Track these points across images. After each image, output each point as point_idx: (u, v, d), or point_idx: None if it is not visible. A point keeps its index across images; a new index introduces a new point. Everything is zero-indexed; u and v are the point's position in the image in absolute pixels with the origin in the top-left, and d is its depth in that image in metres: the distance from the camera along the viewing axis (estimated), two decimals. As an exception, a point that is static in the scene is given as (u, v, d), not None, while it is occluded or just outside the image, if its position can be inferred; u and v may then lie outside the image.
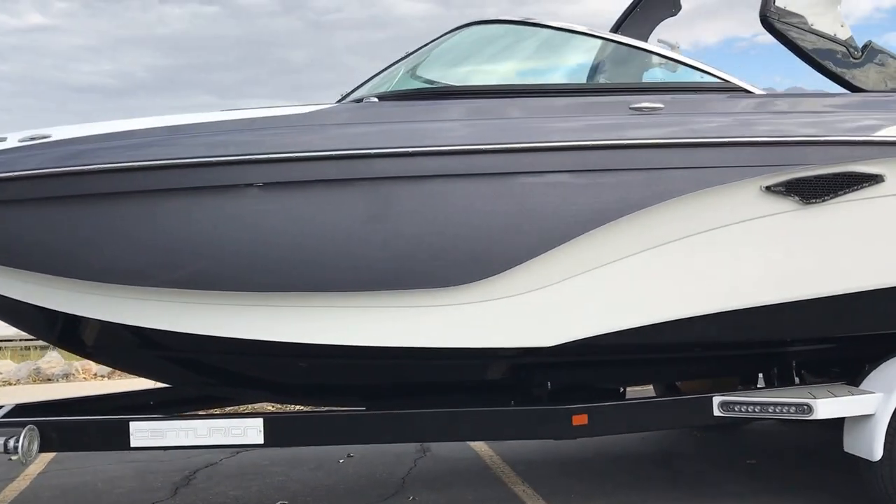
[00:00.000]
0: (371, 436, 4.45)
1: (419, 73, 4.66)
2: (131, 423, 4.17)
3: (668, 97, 4.29)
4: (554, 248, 4.04)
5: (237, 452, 6.29)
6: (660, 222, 4.13)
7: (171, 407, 5.03)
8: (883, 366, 4.53)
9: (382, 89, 4.52)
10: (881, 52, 4.60)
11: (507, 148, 4.02)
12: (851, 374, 4.73)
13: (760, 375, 5.23)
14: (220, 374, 4.70)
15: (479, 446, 6.30)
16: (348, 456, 6.21)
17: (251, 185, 3.83)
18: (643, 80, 4.60)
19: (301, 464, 6.02)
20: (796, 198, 4.23)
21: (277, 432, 4.23)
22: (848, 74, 4.56)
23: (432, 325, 4.14)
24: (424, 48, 4.78)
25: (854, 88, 4.57)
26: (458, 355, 4.34)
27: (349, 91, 4.84)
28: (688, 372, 5.32)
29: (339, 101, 4.92)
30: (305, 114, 4.09)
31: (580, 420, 4.32)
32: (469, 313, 4.14)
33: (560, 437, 4.45)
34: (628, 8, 6.06)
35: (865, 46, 4.59)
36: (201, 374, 4.69)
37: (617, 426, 4.50)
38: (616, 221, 4.05)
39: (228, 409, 5.28)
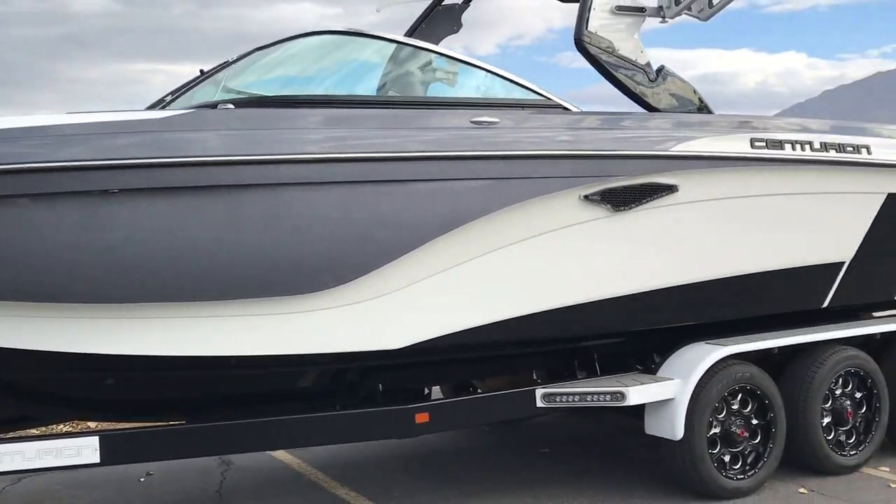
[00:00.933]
0: (218, 447, 4.33)
1: (270, 78, 4.62)
2: None
3: (502, 112, 4.59)
4: (404, 254, 4.18)
5: (20, 479, 5.74)
6: (498, 228, 4.41)
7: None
8: (674, 355, 5.12)
9: (231, 95, 4.43)
10: (671, 75, 5.23)
11: (360, 157, 4.13)
12: (645, 363, 5.31)
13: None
14: (39, 393, 4.32)
15: (282, 455, 6.24)
16: (147, 474, 5.89)
17: (107, 191, 3.62)
18: (479, 96, 4.86)
19: (99, 486, 5.63)
20: (608, 206, 4.69)
21: (115, 450, 3.99)
22: (646, 95, 5.12)
23: (286, 333, 4.13)
24: (271, 52, 4.73)
25: (651, 108, 5.15)
26: (300, 362, 4.35)
27: (177, 89, 4.66)
28: (491, 370, 5.62)
29: (155, 105, 4.75)
30: (162, 119, 3.93)
31: (423, 418, 4.49)
32: (321, 320, 4.17)
33: (404, 436, 4.60)
34: (413, 25, 6.36)
35: (659, 70, 5.19)
36: (20, 394, 4.28)
37: (455, 422, 4.72)
38: (460, 228, 4.28)
39: (64, 426, 4.86)
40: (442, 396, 5.94)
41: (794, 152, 5.26)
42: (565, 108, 4.87)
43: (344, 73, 4.96)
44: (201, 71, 4.93)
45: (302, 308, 4.09)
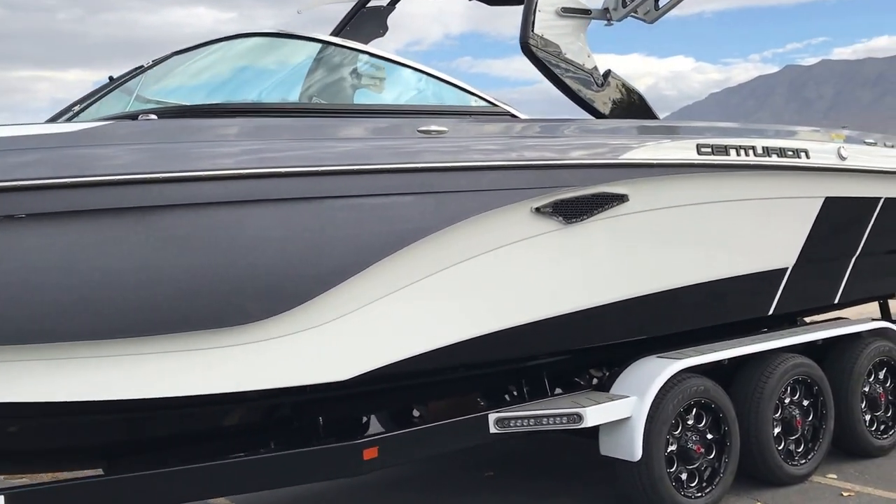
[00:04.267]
0: (141, 499, 3.84)
1: (194, 85, 4.17)
2: None
3: (451, 121, 4.28)
4: (347, 279, 3.83)
5: None
6: (448, 246, 4.10)
7: None
8: (627, 371, 4.92)
9: (149, 104, 3.96)
10: (617, 79, 5.03)
11: (296, 172, 3.74)
12: (597, 380, 5.09)
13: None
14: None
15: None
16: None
17: (12, 216, 3.13)
18: (424, 104, 4.55)
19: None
20: (560, 218, 4.45)
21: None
22: (594, 101, 4.91)
23: (217, 370, 3.71)
24: (193, 56, 4.28)
25: (598, 114, 4.94)
26: (233, 400, 3.94)
27: (84, 98, 4.18)
28: (435, 394, 5.31)
29: (59, 116, 4.26)
30: (72, 132, 3.44)
31: (371, 454, 4.13)
32: (256, 353, 3.77)
33: (352, 474, 4.23)
34: (337, 27, 6.00)
35: (606, 74, 4.98)
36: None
37: (406, 455, 4.38)
38: (407, 247, 3.95)
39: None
40: (380, 426, 5.62)
41: (738, 158, 5.14)
42: (512, 115, 4.60)
43: (277, 79, 4.55)
44: (111, 78, 4.46)
45: (232, 341, 3.68)
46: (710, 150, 5.02)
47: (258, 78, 4.51)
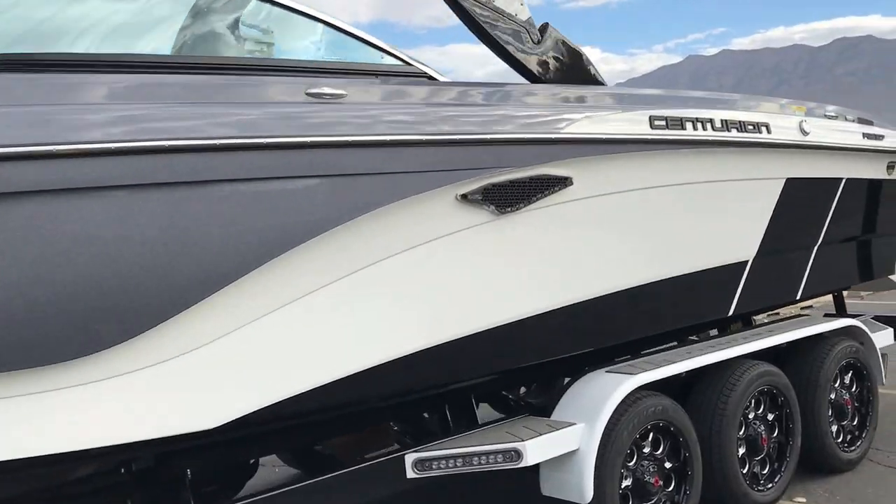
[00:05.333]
0: None
1: (28, 28, 3.07)
2: None
3: (350, 82, 3.31)
4: (214, 292, 2.83)
5: None
6: (344, 247, 3.14)
7: None
8: (571, 391, 4.08)
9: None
10: (559, 36, 4.13)
11: (132, 147, 2.70)
12: (534, 404, 4.23)
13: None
14: None
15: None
16: None
17: None
18: (317, 59, 3.54)
19: None
20: (492, 207, 3.55)
21: None
22: (528, 61, 4.00)
23: (44, 423, 2.66)
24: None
25: (534, 77, 4.04)
26: (64, 461, 2.88)
27: None
28: (341, 429, 4.29)
29: None
30: None
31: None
32: (101, 397, 2.73)
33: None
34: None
35: (543, 29, 4.08)
36: None
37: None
38: (291, 251, 2.97)
39: None
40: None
41: (695, 132, 4.33)
42: (430, 78, 3.65)
43: (133, 25, 3.43)
44: None
45: (56, 384, 2.64)
46: (664, 122, 4.19)
47: (108, 23, 3.37)
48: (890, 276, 6.22)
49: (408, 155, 3.23)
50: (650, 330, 4.39)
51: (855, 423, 5.23)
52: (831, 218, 5.32)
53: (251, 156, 2.88)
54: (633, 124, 4.05)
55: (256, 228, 2.87)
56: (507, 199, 3.58)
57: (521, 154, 3.60)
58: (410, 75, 3.60)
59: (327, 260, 3.08)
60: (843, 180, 5.35)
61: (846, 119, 5.44)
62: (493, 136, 3.51)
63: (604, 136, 3.89)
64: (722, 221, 4.60)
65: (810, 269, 5.26)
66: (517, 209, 3.61)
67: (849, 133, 5.36)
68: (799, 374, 4.92)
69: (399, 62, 3.58)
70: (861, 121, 5.55)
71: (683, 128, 4.28)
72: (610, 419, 3.87)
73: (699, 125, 4.35)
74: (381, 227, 3.20)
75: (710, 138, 4.38)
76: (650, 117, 4.12)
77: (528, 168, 3.63)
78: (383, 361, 3.25)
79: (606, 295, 4.00)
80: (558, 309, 3.82)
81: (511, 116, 3.65)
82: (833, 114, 5.34)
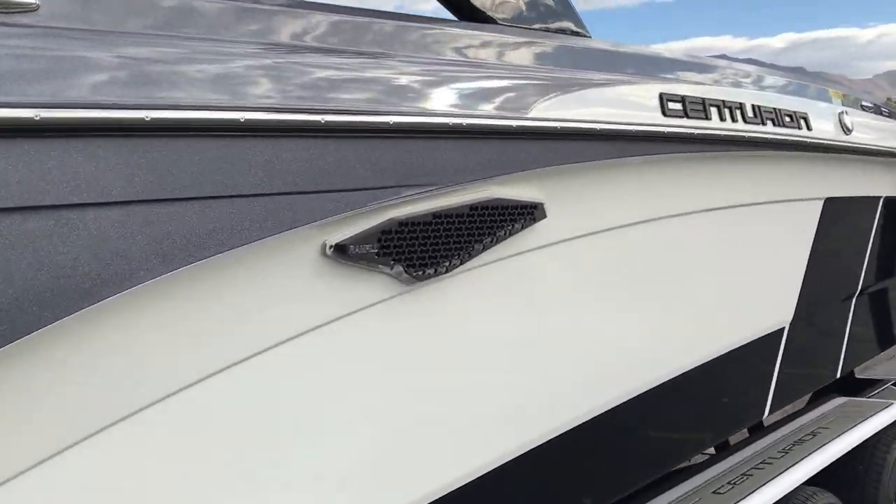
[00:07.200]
0: None
1: None
2: None
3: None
4: None
5: None
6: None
7: None
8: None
9: None
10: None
11: None
12: None
13: None
14: None
15: None
16: None
17: None
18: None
19: None
20: (396, 268, 1.66)
21: None
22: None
23: None
24: None
25: (484, 17, 2.16)
26: None
27: None
28: None
29: None
30: None
31: None
32: None
33: None
34: None
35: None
36: None
37: None
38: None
39: None
40: None
41: (722, 125, 2.57)
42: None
43: None
44: None
45: None
46: (679, 106, 2.40)
47: None
48: None
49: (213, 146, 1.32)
50: (655, 470, 2.57)
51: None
52: (870, 254, 3.70)
53: None
54: (638, 109, 2.26)
55: None
56: (422, 252, 1.71)
57: (447, 161, 1.73)
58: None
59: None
60: (881, 199, 3.76)
61: (881, 113, 3.84)
62: (383, 120, 1.61)
63: (595, 130, 2.07)
64: (752, 266, 2.88)
65: (849, 332, 3.61)
66: (442, 271, 1.75)
67: (890, 133, 3.76)
68: (851, 496, 3.24)
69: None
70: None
71: (707, 116, 2.51)
72: None
73: (727, 113, 2.60)
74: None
75: (741, 134, 2.65)
76: (661, 96, 2.33)
77: (463, 190, 1.76)
78: None
79: (595, 418, 2.17)
80: (522, 455, 1.96)
81: (423, 84, 1.77)
82: (869, 104, 3.72)
